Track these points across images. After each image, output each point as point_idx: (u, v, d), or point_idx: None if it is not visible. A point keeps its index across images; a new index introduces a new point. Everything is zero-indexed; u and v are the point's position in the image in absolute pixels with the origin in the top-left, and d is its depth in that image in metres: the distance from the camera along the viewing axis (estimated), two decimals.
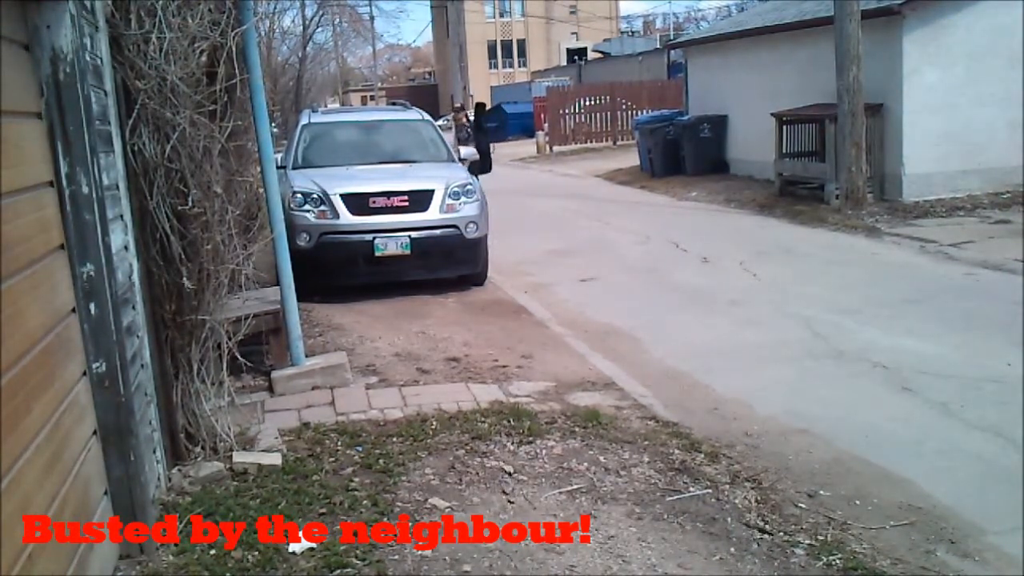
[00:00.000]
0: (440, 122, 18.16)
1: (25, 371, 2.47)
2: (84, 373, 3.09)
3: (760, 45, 15.28)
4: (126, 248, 3.67)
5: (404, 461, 4.27)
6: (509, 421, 4.79)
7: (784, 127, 13.48)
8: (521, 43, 58.37)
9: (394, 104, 12.59)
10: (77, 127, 3.01)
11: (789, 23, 14.28)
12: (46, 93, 2.95)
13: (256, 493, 3.89)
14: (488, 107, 17.66)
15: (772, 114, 13.46)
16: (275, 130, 10.56)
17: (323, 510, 3.75)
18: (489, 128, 16.23)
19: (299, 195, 8.10)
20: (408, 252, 8.07)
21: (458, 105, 17.89)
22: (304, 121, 9.83)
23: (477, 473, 4.17)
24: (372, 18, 49.13)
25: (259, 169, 5.59)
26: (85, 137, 3.04)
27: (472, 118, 16.96)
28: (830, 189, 11.99)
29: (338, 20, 40.96)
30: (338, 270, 8.07)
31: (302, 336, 5.73)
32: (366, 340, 6.69)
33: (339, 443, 4.54)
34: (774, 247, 10.14)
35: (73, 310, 3.04)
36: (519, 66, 57.53)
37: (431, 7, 60.08)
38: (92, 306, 3.10)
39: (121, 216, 3.63)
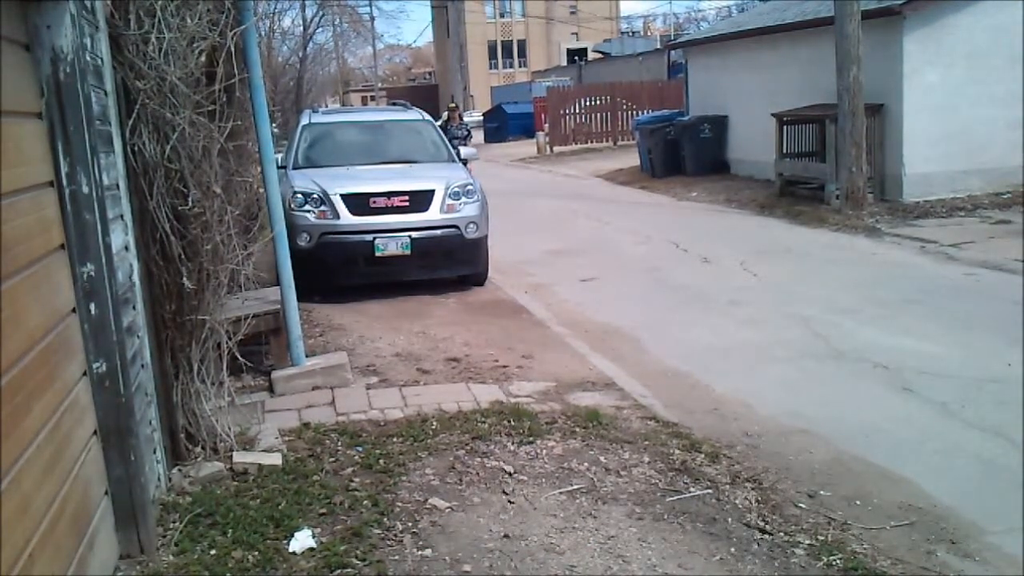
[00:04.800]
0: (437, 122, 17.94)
1: (25, 371, 2.47)
2: (84, 373, 3.09)
3: (760, 45, 15.28)
4: (126, 248, 3.67)
5: (404, 461, 4.27)
6: (509, 421, 4.79)
7: (784, 127, 13.47)
8: (521, 43, 58.39)
9: (394, 104, 12.58)
10: (77, 127, 3.01)
11: (789, 23, 14.28)
12: (46, 93, 2.95)
13: (256, 493, 3.89)
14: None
15: (772, 114, 13.46)
16: (275, 130, 10.54)
17: (323, 510, 3.75)
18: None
19: (299, 195, 8.10)
20: (408, 252, 8.07)
21: (452, 105, 17.67)
22: (304, 121, 9.84)
23: (477, 473, 4.17)
24: (372, 18, 49.15)
25: (259, 169, 5.60)
26: (85, 137, 3.04)
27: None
28: (830, 189, 11.98)
29: (338, 20, 40.94)
30: (338, 270, 8.07)
31: (302, 336, 5.73)
32: (366, 340, 6.69)
33: (339, 443, 4.54)
34: (774, 247, 10.14)
35: (73, 310, 3.04)
36: (519, 66, 57.56)
37: (431, 7, 60.15)
38: (92, 306, 3.10)
39: (121, 216, 3.63)
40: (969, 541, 3.59)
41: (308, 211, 8.04)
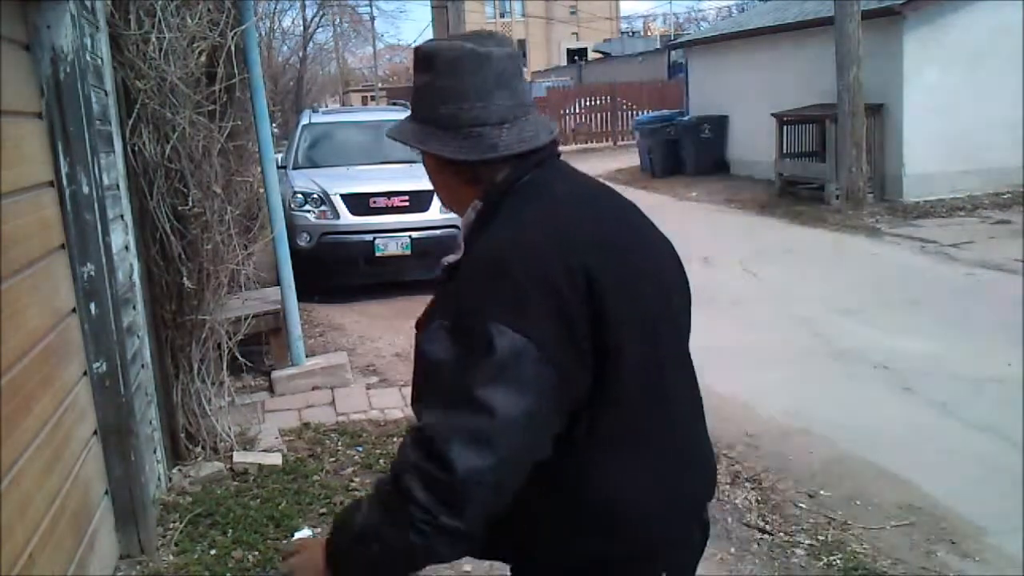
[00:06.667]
0: None
1: (25, 371, 2.47)
2: (84, 373, 3.09)
3: (760, 45, 15.27)
4: (126, 248, 3.67)
5: None
6: None
7: (784, 127, 13.47)
8: (521, 43, 58.31)
9: (395, 104, 12.59)
10: (77, 127, 3.01)
11: (789, 23, 14.28)
12: (46, 93, 2.95)
13: (256, 493, 3.89)
14: None
15: (772, 114, 13.45)
16: (275, 130, 10.55)
17: (323, 510, 3.75)
18: None
19: (300, 195, 8.11)
20: (408, 252, 8.07)
21: None
22: (304, 121, 9.85)
23: None
24: (372, 18, 49.09)
25: (259, 169, 5.60)
26: (85, 137, 3.04)
27: None
28: (830, 189, 11.98)
29: (338, 20, 40.97)
30: (338, 270, 8.08)
31: (302, 336, 5.73)
32: (366, 340, 6.69)
33: (340, 443, 4.54)
34: (774, 247, 10.13)
35: (73, 310, 3.05)
36: None
37: (431, 7, 60.10)
38: (92, 306, 3.10)
39: (121, 216, 3.63)
40: (969, 541, 3.59)
41: (308, 211, 8.05)
